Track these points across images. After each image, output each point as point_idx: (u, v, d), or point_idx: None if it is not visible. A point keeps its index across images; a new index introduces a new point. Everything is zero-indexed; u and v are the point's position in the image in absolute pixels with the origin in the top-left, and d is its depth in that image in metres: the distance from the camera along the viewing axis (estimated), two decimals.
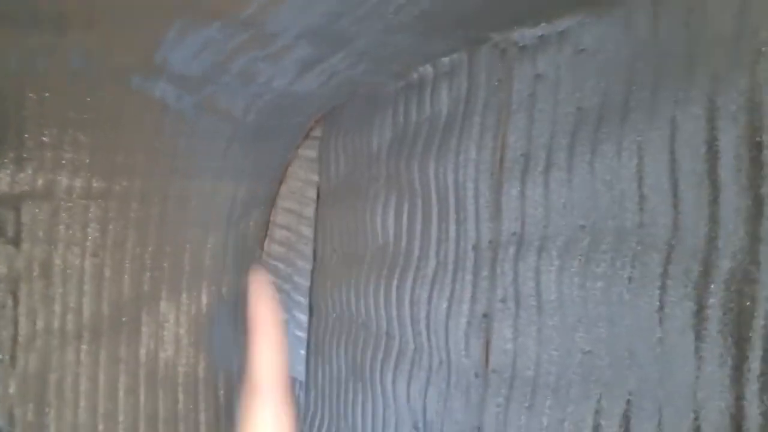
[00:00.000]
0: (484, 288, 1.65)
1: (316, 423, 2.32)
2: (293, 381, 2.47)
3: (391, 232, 2.03)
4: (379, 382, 2.00)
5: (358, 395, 2.10)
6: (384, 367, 1.99)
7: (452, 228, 1.78)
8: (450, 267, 1.78)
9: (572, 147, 1.45)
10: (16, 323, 2.02)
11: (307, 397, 2.39)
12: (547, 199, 1.50)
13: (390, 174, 2.04)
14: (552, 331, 1.45)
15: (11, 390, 1.94)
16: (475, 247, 1.70)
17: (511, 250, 1.58)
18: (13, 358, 1.98)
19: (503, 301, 1.59)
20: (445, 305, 1.77)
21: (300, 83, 2.04)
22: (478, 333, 1.66)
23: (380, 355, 2.01)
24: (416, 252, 1.91)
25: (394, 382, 1.93)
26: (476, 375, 1.65)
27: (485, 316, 1.65)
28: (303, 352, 2.47)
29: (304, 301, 2.51)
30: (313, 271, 2.48)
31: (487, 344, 1.63)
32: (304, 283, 2.51)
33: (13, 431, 1.96)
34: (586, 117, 1.44)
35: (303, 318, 2.51)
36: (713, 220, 1.16)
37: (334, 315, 2.31)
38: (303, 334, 2.50)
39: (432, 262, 1.84)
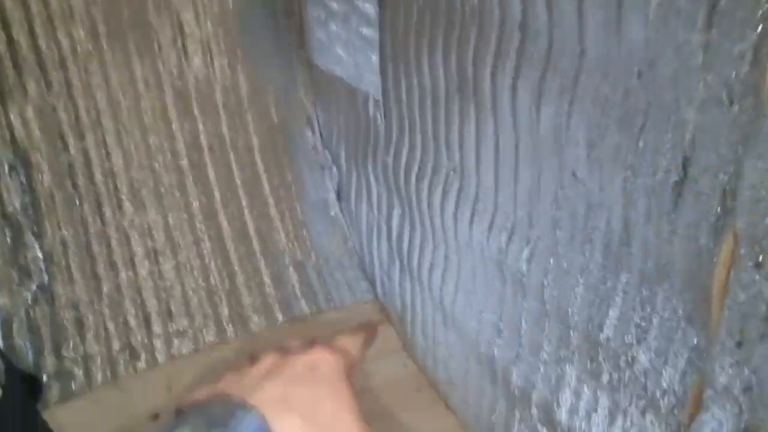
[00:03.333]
0: None
1: (404, 157, 1.68)
2: (366, 97, 1.78)
3: None
4: (496, 98, 1.28)
5: (466, 116, 1.42)
6: (500, 77, 1.25)
7: None
8: None
9: None
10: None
11: (387, 121, 1.73)
12: None
13: None
14: None
15: None
16: None
17: None
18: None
19: None
20: None
21: None
22: None
23: (496, 60, 1.25)
24: None
25: (516, 98, 1.22)
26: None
27: None
28: (375, 57, 1.74)
29: None
30: None
31: None
32: None
33: None
34: None
35: (369, 8, 1.71)
36: None
37: (421, 1, 1.50)
38: (372, 33, 1.73)
39: None
